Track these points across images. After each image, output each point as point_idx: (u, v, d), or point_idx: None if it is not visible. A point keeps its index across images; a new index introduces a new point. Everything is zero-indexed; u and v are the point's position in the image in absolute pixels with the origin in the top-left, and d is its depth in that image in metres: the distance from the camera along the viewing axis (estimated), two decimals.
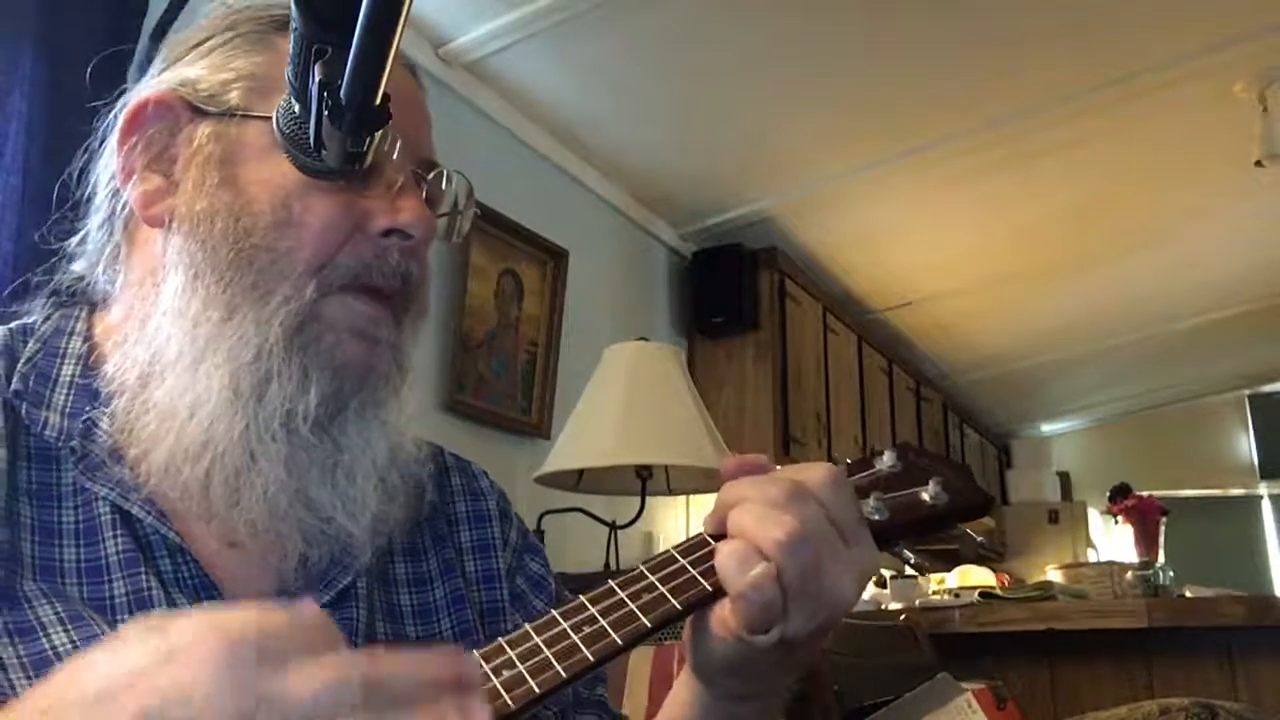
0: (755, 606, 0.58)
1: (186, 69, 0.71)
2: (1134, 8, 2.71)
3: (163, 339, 0.66)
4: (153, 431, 0.65)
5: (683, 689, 0.69)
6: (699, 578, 0.61)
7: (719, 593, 0.60)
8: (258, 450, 0.64)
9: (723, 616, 0.61)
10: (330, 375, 0.66)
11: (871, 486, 0.67)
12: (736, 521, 0.60)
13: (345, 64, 0.49)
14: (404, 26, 0.47)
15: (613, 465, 2.32)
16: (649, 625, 0.58)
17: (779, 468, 0.65)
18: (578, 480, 2.49)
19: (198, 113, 0.69)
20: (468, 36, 2.59)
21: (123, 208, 0.71)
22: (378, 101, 0.51)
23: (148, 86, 0.71)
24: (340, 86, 0.50)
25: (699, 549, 0.62)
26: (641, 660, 1.65)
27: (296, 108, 0.56)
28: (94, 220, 0.72)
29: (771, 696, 0.68)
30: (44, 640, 0.57)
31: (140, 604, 0.61)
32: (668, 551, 0.63)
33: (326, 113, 0.52)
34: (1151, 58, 2.92)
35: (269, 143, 0.67)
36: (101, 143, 0.72)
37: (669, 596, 0.60)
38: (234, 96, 0.69)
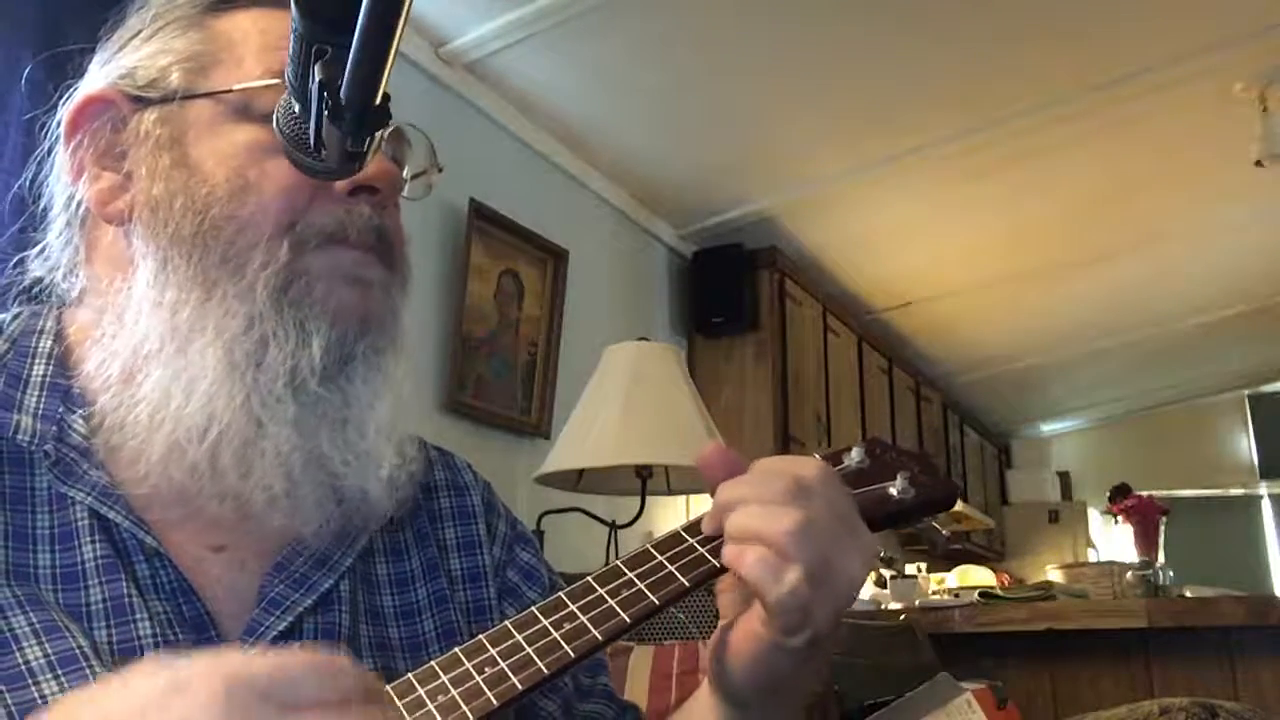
0: (793, 612, 0.58)
1: (123, 61, 0.71)
2: (1134, 7, 2.71)
3: (142, 332, 0.65)
4: (146, 423, 0.64)
5: (704, 712, 0.69)
6: (676, 574, 0.62)
7: (695, 587, 0.62)
8: (263, 416, 0.64)
9: (751, 627, 0.62)
10: (329, 323, 0.66)
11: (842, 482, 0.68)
12: (740, 524, 0.60)
13: (345, 64, 0.49)
14: (404, 26, 0.47)
15: (613, 465, 2.32)
16: (628, 620, 0.59)
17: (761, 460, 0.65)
18: (578, 480, 2.49)
19: (140, 103, 0.69)
20: (468, 36, 2.59)
21: (78, 209, 0.71)
22: (378, 101, 0.51)
23: (87, 85, 0.71)
24: (340, 86, 0.50)
25: (675, 545, 0.64)
26: (641, 660, 1.65)
27: (296, 108, 0.56)
28: (54, 227, 0.72)
29: (796, 703, 0.68)
30: (17, 655, 0.56)
31: (118, 610, 0.61)
32: (644, 547, 0.64)
33: (326, 113, 0.51)
34: (1151, 58, 2.92)
35: (215, 117, 0.67)
36: (50, 150, 0.72)
37: (647, 593, 0.61)
38: (174, 79, 0.69)
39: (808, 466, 0.62)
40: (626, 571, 0.62)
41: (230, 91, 0.68)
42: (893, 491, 0.68)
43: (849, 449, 0.71)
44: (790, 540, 0.58)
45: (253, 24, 0.71)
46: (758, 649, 0.62)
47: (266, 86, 0.67)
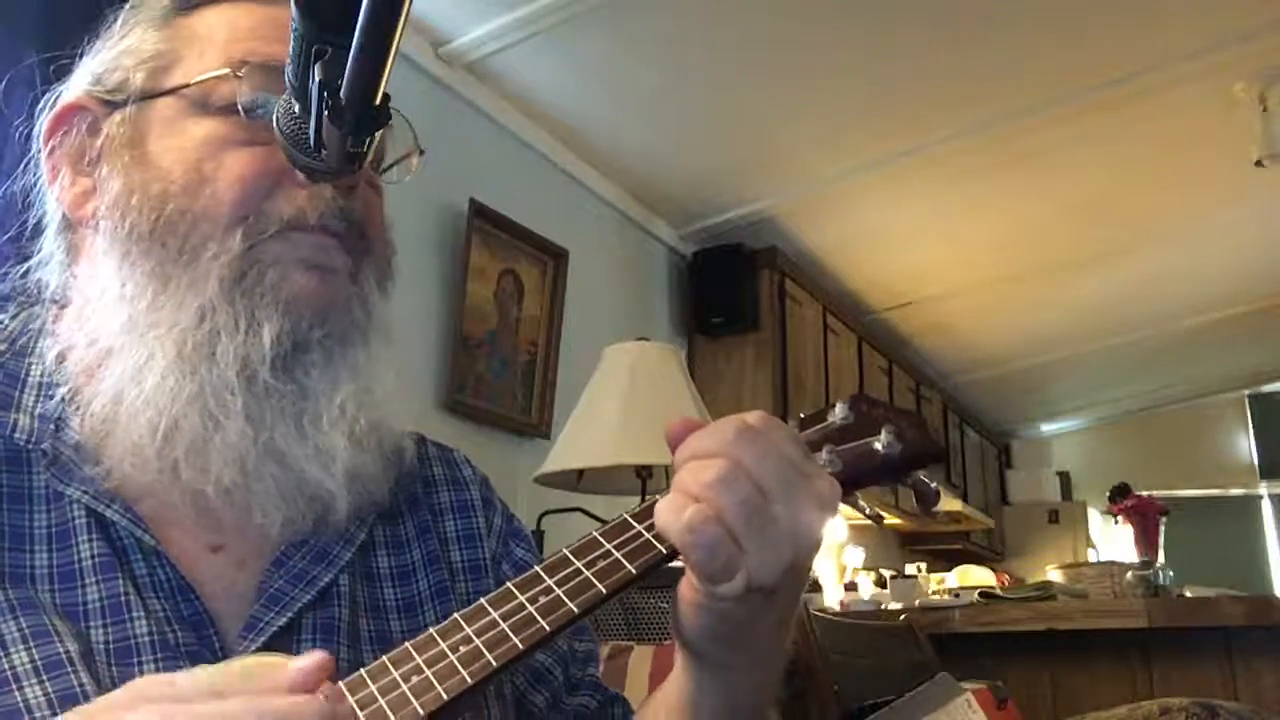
0: (701, 550, 0.56)
1: (94, 66, 0.72)
2: (1134, 7, 2.71)
3: (105, 327, 0.66)
4: (108, 417, 0.64)
5: (677, 669, 0.68)
6: (654, 541, 0.60)
7: (673, 555, 0.60)
8: (215, 409, 0.63)
9: (687, 579, 0.60)
10: (282, 311, 0.65)
11: (825, 439, 0.67)
12: (676, 480, 0.59)
13: (345, 64, 0.49)
14: (404, 26, 0.48)
15: (613, 465, 2.32)
16: (604, 591, 0.58)
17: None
18: (578, 480, 2.49)
19: (110, 106, 0.70)
20: (468, 36, 2.59)
21: (60, 213, 0.71)
22: (378, 101, 0.51)
23: (66, 92, 0.72)
24: (340, 86, 0.50)
25: (651, 514, 0.62)
26: (641, 660, 1.65)
27: (296, 108, 0.56)
28: (48, 230, 0.73)
29: (766, 663, 0.66)
30: (4, 660, 0.56)
31: (115, 609, 0.60)
32: (621, 518, 0.62)
33: (326, 113, 0.52)
34: (1152, 57, 2.92)
35: (175, 114, 0.67)
36: (37, 155, 0.73)
37: (624, 562, 0.59)
38: (139, 79, 0.69)
39: (750, 416, 0.60)
40: (604, 543, 0.61)
41: (188, 86, 0.68)
42: (878, 446, 0.67)
43: (833, 406, 0.69)
44: (704, 487, 0.56)
45: (220, 18, 0.71)
46: (694, 597, 0.60)
47: (220, 77, 0.67)
